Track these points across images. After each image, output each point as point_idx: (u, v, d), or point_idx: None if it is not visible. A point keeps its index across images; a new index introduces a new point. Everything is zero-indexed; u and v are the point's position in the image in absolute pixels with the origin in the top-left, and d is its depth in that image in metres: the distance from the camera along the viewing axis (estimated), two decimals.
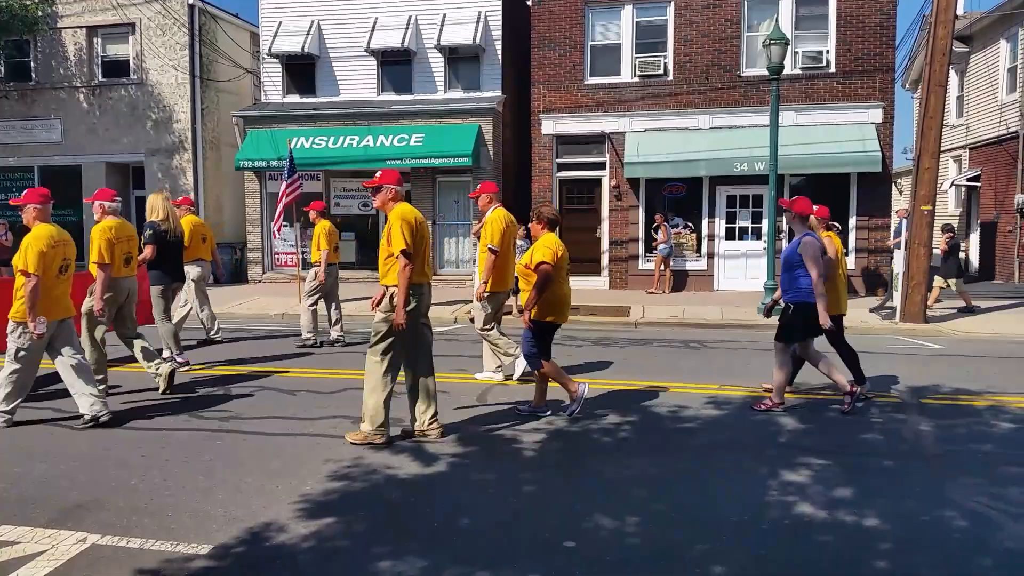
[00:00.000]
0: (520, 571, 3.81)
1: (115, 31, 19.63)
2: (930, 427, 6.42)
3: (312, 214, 10.71)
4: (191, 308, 10.34)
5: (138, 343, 7.50)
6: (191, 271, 9.76)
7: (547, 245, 6.50)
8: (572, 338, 11.20)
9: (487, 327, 7.89)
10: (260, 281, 18.87)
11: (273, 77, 19.17)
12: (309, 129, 18.22)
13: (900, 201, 21.72)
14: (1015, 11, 17.81)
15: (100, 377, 7.20)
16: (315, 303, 10.40)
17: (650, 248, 17.03)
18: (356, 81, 18.77)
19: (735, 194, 16.73)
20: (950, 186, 22.17)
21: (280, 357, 9.62)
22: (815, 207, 7.22)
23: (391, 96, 18.60)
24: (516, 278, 7.71)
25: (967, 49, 20.78)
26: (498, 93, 18.06)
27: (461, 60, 18.40)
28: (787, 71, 15.38)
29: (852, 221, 16.49)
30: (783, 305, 6.94)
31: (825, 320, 6.61)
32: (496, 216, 7.73)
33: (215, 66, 19.86)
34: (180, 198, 10.81)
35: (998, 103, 19.24)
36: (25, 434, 6.16)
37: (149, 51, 19.24)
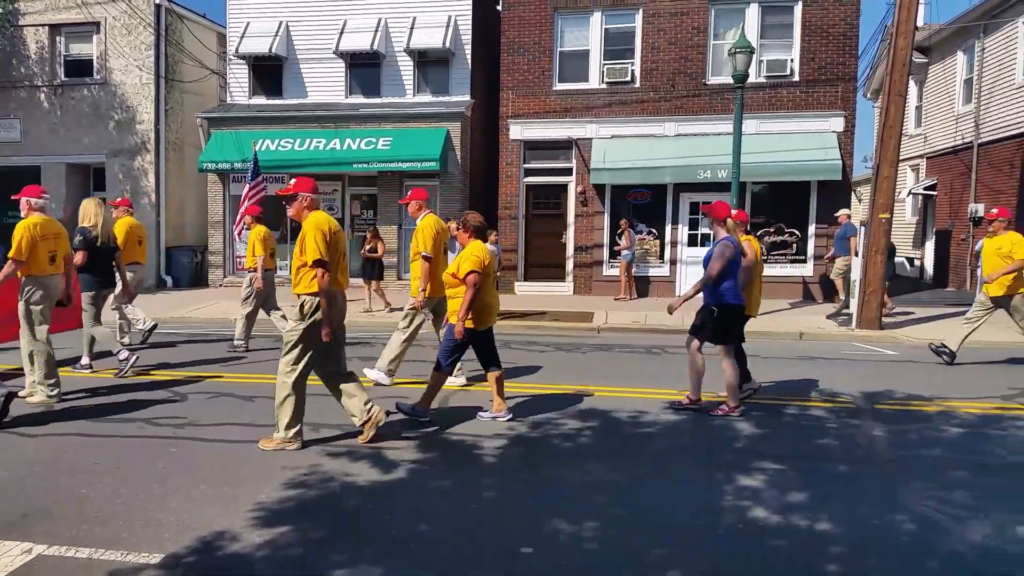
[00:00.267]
0: None
1: (79, 30, 19.28)
2: (883, 432, 6.54)
3: (248, 219, 10.62)
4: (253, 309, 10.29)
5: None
6: (127, 275, 9.62)
7: (475, 254, 6.50)
8: (535, 344, 11.24)
9: (404, 332, 7.99)
10: (221, 285, 18.65)
11: (240, 78, 18.99)
12: (275, 131, 18.07)
13: (859, 209, 22.10)
14: (971, 24, 18.23)
15: (51, 381, 7.07)
16: (253, 309, 10.33)
17: (615, 254, 17.14)
18: (324, 83, 18.66)
19: (698, 201, 16.90)
20: (907, 194, 22.60)
21: (237, 363, 9.53)
22: (734, 211, 7.55)
23: (359, 99, 18.52)
24: None
25: (926, 60, 21.23)
26: (467, 98, 18.07)
27: (430, 64, 18.38)
28: (752, 79, 15.62)
29: (812, 228, 16.75)
30: (705, 305, 7.09)
31: (676, 303, 7.07)
32: (427, 223, 7.78)
33: (181, 66, 19.61)
34: (118, 199, 10.61)
35: (954, 114, 19.68)
36: None
37: (113, 51, 18.94)
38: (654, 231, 17.45)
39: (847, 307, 13.50)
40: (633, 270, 16.81)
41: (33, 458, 5.61)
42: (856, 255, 13.98)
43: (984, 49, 18.16)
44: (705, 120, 16.90)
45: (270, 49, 18.14)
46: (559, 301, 16.09)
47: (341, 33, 18.04)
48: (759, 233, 17.05)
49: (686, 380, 7.91)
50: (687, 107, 17.01)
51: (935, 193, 21.03)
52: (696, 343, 7.12)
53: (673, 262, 17.14)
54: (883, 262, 12.52)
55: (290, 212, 5.94)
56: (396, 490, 5.05)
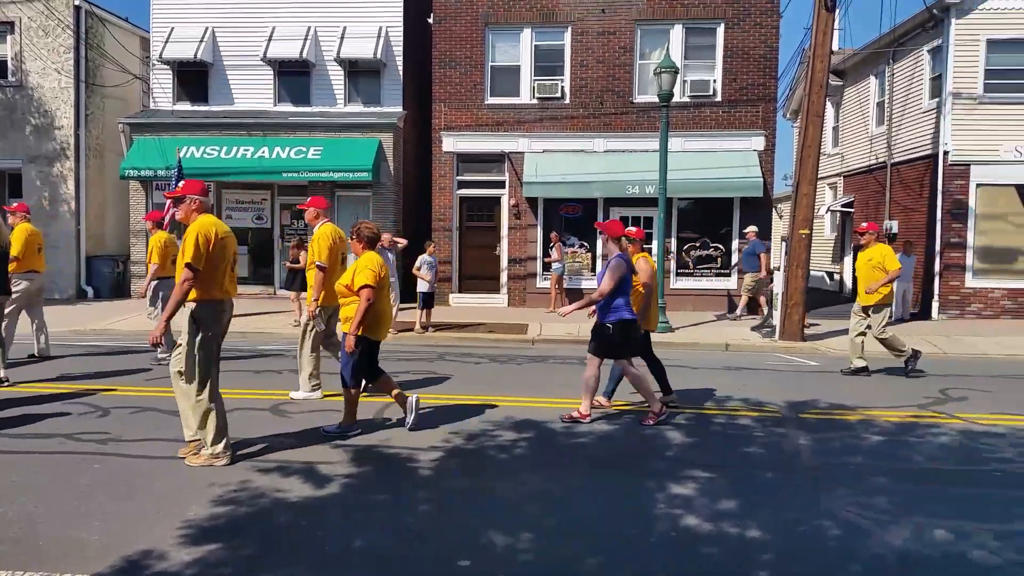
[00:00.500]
0: None
1: None
2: (808, 441, 6.77)
3: (149, 224, 10.31)
4: None
5: None
6: (23, 284, 9.26)
7: (368, 267, 6.47)
8: (471, 355, 11.24)
9: (306, 345, 7.88)
10: (143, 296, 18.00)
11: (164, 84, 18.48)
12: (200, 138, 17.63)
13: (779, 225, 22.86)
14: (882, 50, 19.14)
15: None
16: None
17: (547, 267, 17.30)
18: (252, 91, 18.32)
19: (628, 215, 17.22)
20: (826, 211, 23.50)
21: (161, 376, 9.21)
22: (633, 228, 7.81)
23: (288, 107, 18.25)
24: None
25: (842, 83, 22.17)
26: (399, 109, 18.00)
27: (361, 74, 18.25)
28: (676, 99, 16.02)
29: (735, 243, 17.27)
30: (599, 324, 7.19)
31: (567, 310, 7.28)
32: (323, 232, 7.76)
33: (102, 71, 18.95)
34: (14, 204, 10.11)
35: (869, 135, 20.59)
36: None
37: (30, 53, 18.18)
38: (586, 244, 17.69)
39: (771, 319, 13.96)
40: (565, 283, 16.99)
41: None
42: (768, 272, 14.74)
43: (894, 74, 19.08)
44: (633, 137, 17.27)
45: (195, 55, 17.73)
46: (494, 313, 16.14)
47: (269, 40, 17.77)
48: (685, 247, 17.50)
49: (618, 391, 8.06)
50: (615, 124, 17.34)
51: (852, 210, 21.93)
52: (598, 361, 7.22)
53: None
54: (804, 276, 12.99)
55: (178, 215, 5.76)
56: (329, 505, 4.97)
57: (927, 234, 17.05)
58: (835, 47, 17.35)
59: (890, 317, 10.21)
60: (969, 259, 16.48)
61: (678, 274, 17.45)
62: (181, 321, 5.59)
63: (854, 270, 10.30)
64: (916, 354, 10.07)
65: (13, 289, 8.99)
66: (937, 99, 16.82)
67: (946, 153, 16.36)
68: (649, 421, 7.13)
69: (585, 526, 4.70)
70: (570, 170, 16.97)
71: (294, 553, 4.21)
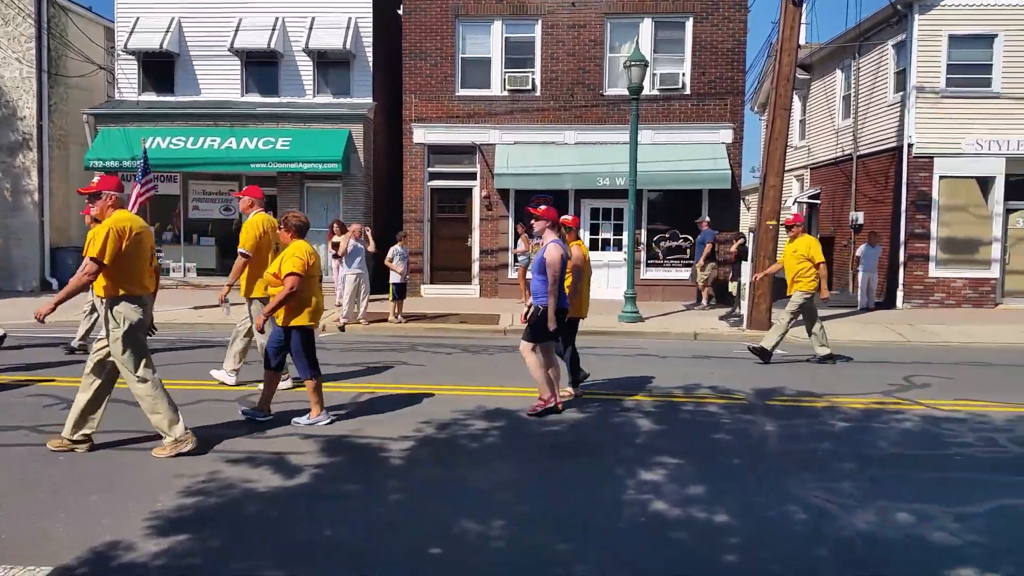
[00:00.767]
0: None
1: None
2: (775, 427, 6.87)
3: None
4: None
5: None
6: None
7: (297, 255, 6.45)
8: (443, 346, 11.24)
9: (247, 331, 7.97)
10: None
11: (129, 74, 18.17)
12: (166, 128, 17.38)
13: (747, 217, 23.11)
14: (848, 44, 19.39)
15: None
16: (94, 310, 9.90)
17: (517, 258, 17.32)
18: (219, 81, 18.07)
19: (598, 207, 17.31)
20: (793, 203, 23.78)
21: None
22: (569, 216, 7.89)
23: (256, 98, 18.03)
24: None
25: (808, 77, 22.42)
26: (369, 100, 17.88)
27: (331, 65, 18.09)
28: (646, 92, 16.09)
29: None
30: (533, 307, 7.18)
31: (553, 323, 7.03)
32: (254, 221, 7.74)
33: (66, 60, 18.56)
34: None
35: (835, 128, 20.86)
36: None
37: None
38: None
39: (738, 308, 14.12)
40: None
41: None
42: (710, 260, 15.27)
43: (859, 68, 19.34)
44: (603, 129, 17.32)
45: (161, 45, 17.44)
46: (465, 304, 16.13)
47: (236, 30, 17.53)
48: (656, 238, 17.62)
49: (591, 380, 8.12)
50: (586, 116, 17.39)
51: (819, 202, 22.22)
52: (530, 346, 7.16)
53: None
54: (770, 266, 13.14)
55: (93, 211, 5.70)
56: (299, 495, 4.95)
57: (892, 225, 17.33)
58: (802, 41, 17.53)
59: (798, 314, 10.20)
60: (932, 249, 16.78)
61: (648, 265, 17.57)
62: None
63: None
64: (766, 355, 10.09)
65: None
66: (901, 93, 17.08)
67: (910, 146, 16.64)
68: (533, 408, 7.05)
69: (556, 513, 4.74)
70: (541, 162, 16.98)
71: (263, 544, 4.19)
